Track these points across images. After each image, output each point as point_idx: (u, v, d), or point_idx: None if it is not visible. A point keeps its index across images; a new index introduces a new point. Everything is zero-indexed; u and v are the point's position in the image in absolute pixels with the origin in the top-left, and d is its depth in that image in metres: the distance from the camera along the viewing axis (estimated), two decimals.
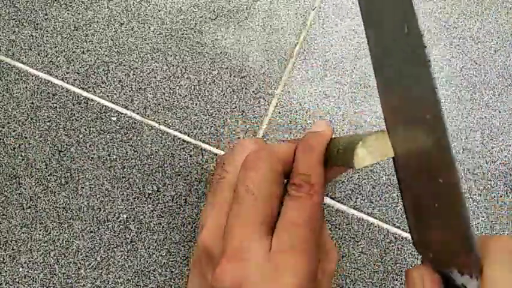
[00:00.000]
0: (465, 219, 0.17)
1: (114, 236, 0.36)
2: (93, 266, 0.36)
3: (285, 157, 0.23)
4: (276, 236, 0.21)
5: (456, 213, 0.17)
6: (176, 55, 0.40)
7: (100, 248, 0.36)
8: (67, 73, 0.39)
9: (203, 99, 0.39)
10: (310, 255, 0.20)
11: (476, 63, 0.40)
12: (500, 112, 0.39)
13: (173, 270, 0.36)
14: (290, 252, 0.19)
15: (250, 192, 0.21)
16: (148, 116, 0.38)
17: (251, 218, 0.20)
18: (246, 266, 0.19)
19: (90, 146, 0.38)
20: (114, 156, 0.38)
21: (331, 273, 0.24)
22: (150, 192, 0.37)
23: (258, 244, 0.20)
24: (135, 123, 0.38)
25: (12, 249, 0.36)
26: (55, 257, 0.36)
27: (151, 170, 0.38)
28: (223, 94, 0.39)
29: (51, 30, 0.40)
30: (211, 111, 0.39)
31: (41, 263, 0.36)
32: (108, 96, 0.39)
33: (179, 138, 0.38)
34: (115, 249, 0.36)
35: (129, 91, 0.39)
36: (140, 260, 0.36)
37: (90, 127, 0.38)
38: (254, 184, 0.21)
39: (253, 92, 0.39)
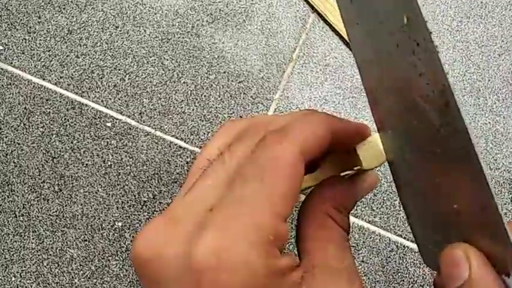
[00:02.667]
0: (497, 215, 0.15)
1: (109, 244, 0.36)
2: (87, 276, 0.35)
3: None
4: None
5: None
6: (172, 59, 0.39)
7: (94, 257, 0.36)
8: (61, 77, 0.39)
9: (200, 105, 0.38)
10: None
11: (479, 68, 0.39)
12: (504, 118, 0.38)
13: None
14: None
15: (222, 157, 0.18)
16: (143, 122, 0.38)
17: (204, 188, 0.18)
18: (167, 230, 0.17)
19: (84, 152, 0.37)
20: (109, 163, 0.37)
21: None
22: (146, 199, 0.37)
23: (194, 213, 0.17)
24: (130, 128, 0.38)
25: (5, 258, 0.35)
26: (48, 266, 0.36)
27: (147, 176, 0.37)
28: (221, 99, 0.38)
29: (45, 34, 0.40)
30: (208, 117, 0.38)
31: (33, 272, 0.35)
32: (102, 101, 0.38)
33: (175, 144, 0.38)
34: (110, 258, 0.36)
35: (124, 96, 0.38)
36: None
37: (84, 133, 0.38)
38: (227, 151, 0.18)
39: (251, 97, 0.39)
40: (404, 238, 0.37)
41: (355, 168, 0.21)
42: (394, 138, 0.20)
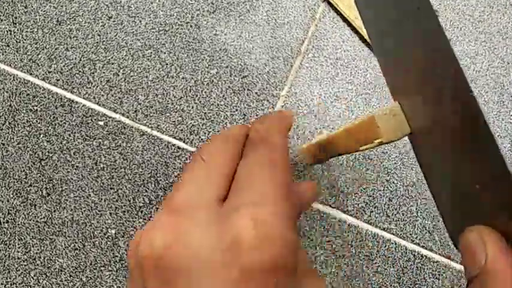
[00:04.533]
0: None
1: (102, 253, 0.34)
2: (78, 287, 0.34)
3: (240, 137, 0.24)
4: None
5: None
6: (170, 52, 0.38)
7: (86, 267, 0.34)
8: (49, 72, 0.37)
9: (200, 102, 0.37)
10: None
11: (504, 61, 0.37)
12: None
13: None
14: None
15: (202, 159, 0.21)
16: (139, 120, 0.36)
17: (200, 181, 0.20)
18: (184, 222, 0.18)
19: (74, 153, 0.36)
20: (102, 165, 0.36)
21: None
22: (142, 204, 0.35)
23: (204, 204, 0.19)
24: (124, 128, 0.36)
25: None
26: (35, 277, 0.34)
27: (143, 180, 0.35)
28: (223, 96, 0.37)
29: (31, 25, 0.38)
30: (209, 115, 0.36)
31: (19, 284, 0.34)
32: (94, 98, 0.37)
33: (174, 145, 0.36)
34: (102, 269, 0.34)
35: (118, 92, 0.37)
36: None
37: (75, 132, 0.36)
38: (206, 153, 0.22)
39: (256, 93, 0.37)
40: (422, 247, 0.35)
41: (376, 141, 0.21)
42: (415, 106, 0.20)
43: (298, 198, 0.24)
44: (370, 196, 0.36)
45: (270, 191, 0.18)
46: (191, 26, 0.38)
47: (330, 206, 0.35)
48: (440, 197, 0.20)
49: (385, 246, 0.35)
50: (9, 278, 0.34)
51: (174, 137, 0.36)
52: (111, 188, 0.35)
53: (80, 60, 0.37)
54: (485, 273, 0.15)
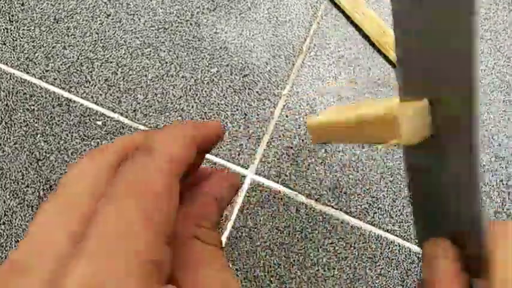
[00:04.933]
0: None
1: None
2: None
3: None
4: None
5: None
6: (170, 50, 0.37)
7: None
8: (46, 71, 0.37)
9: (200, 101, 0.36)
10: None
11: (510, 60, 0.37)
12: None
13: None
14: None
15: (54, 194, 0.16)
16: (138, 120, 0.36)
17: (45, 229, 0.15)
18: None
19: (72, 153, 0.35)
20: None
21: None
22: None
23: (40, 266, 0.14)
24: (123, 127, 0.36)
25: None
26: None
27: None
28: (223, 95, 0.36)
29: (28, 23, 0.38)
30: (209, 115, 0.36)
31: None
32: (92, 97, 0.36)
33: None
34: None
35: (117, 91, 0.36)
36: None
37: (72, 132, 0.35)
38: (63, 181, 0.16)
39: (257, 92, 0.36)
40: None
41: (392, 141, 0.18)
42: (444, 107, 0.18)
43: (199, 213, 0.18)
44: (374, 197, 0.35)
45: (120, 237, 0.14)
46: (191, 24, 0.38)
47: (333, 207, 0.34)
48: (415, 203, 0.20)
49: (389, 248, 0.34)
50: None
51: None
52: None
53: (78, 58, 0.37)
54: (436, 278, 0.17)
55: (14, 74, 0.37)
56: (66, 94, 0.36)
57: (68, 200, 0.15)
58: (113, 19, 0.38)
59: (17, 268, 0.14)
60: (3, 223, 0.34)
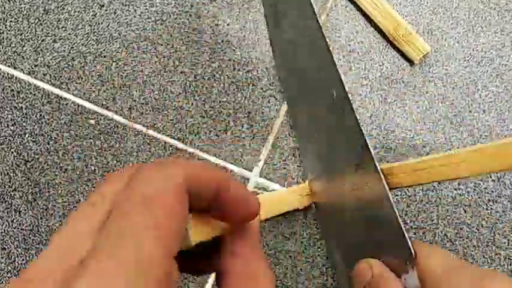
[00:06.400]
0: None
1: None
2: None
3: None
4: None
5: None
6: (168, 44, 0.36)
7: None
8: (35, 66, 0.36)
9: (200, 98, 0.35)
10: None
11: None
12: None
13: None
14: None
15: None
16: (133, 119, 0.35)
17: (63, 243, 0.16)
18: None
19: (63, 155, 0.34)
20: (93, 167, 0.34)
21: None
22: None
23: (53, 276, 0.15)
24: (117, 127, 0.35)
25: None
26: None
27: None
28: (225, 92, 0.35)
29: (16, 14, 0.37)
30: (210, 113, 0.35)
31: None
32: (84, 94, 0.36)
33: (171, 146, 0.35)
34: None
35: (111, 88, 0.36)
36: None
37: (63, 132, 0.35)
38: (92, 196, 0.17)
39: (261, 88, 0.35)
40: None
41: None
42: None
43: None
44: None
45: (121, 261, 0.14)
46: (190, 16, 0.37)
47: None
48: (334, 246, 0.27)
49: None
50: None
51: (172, 137, 0.35)
52: None
53: (69, 52, 0.36)
54: (373, 279, 0.22)
55: (0, 69, 0.36)
56: (56, 91, 0.36)
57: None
58: (106, 10, 0.37)
59: (28, 282, 0.15)
60: None
